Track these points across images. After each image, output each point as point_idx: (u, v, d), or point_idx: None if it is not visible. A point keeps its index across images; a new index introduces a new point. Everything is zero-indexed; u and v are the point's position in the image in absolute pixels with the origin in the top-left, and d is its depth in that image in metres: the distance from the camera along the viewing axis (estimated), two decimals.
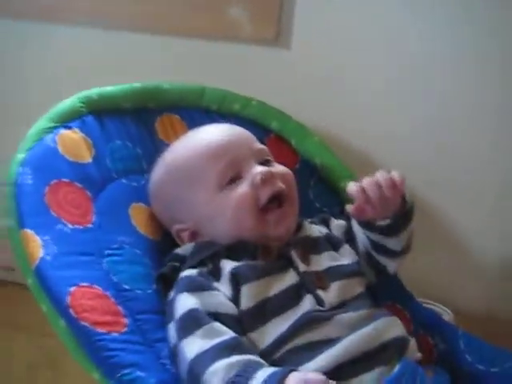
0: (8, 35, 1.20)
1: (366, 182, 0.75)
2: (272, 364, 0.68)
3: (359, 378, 0.69)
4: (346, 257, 0.83)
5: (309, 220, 0.88)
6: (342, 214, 0.89)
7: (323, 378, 0.63)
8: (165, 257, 0.82)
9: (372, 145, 1.12)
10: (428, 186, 1.10)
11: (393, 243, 0.81)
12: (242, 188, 0.80)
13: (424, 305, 0.90)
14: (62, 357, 1.09)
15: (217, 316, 0.71)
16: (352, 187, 0.75)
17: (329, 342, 0.71)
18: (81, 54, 1.18)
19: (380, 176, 0.75)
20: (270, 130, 1.01)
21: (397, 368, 0.69)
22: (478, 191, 1.11)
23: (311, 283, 0.77)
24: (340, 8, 1.08)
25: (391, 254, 0.83)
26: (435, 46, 1.07)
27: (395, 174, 0.75)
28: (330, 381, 0.63)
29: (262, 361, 0.67)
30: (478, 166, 1.10)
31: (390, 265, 0.85)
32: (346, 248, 0.84)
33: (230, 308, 0.73)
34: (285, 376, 0.62)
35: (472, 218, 1.12)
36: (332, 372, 0.68)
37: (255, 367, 0.65)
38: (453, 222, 1.13)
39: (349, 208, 0.77)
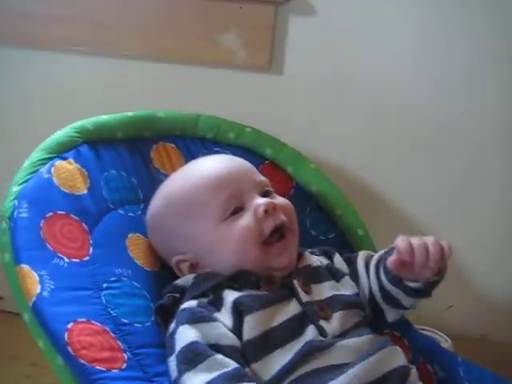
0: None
1: (417, 241, 0.75)
2: None
3: None
4: (346, 288, 0.83)
5: (309, 250, 0.88)
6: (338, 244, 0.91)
7: None
8: (164, 288, 0.81)
9: (372, 176, 1.14)
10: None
11: (408, 301, 0.82)
12: (246, 220, 0.79)
13: (422, 331, 0.90)
14: None
15: (218, 348, 0.70)
16: (401, 241, 0.75)
17: (333, 370, 0.70)
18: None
19: (431, 242, 0.75)
20: (264, 158, 1.01)
21: None
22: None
23: (314, 314, 0.77)
24: (330, 35, 1.09)
25: (399, 306, 0.83)
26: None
27: (446, 245, 0.75)
28: None
29: None
30: None
31: (391, 314, 0.85)
32: (347, 279, 0.84)
33: (231, 339, 0.72)
34: None
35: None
36: None
37: None
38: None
39: (389, 258, 0.77)
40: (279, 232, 0.80)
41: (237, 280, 0.78)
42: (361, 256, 0.88)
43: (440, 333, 0.92)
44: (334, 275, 0.84)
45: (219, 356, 0.69)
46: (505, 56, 1.06)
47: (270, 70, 1.12)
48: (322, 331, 0.75)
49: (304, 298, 0.78)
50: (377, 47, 1.09)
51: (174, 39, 1.12)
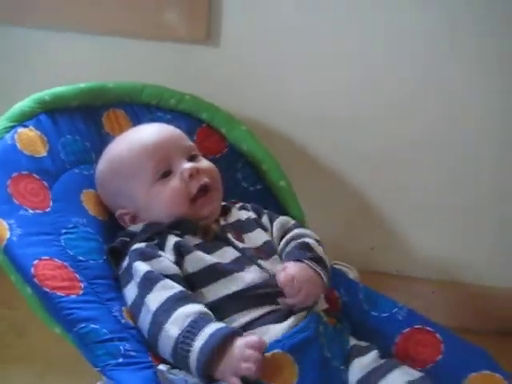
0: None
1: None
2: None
3: (271, 326, 0.85)
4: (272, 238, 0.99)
5: (241, 204, 1.04)
6: None
7: (262, 341, 0.78)
8: (112, 234, 0.96)
9: (299, 129, 1.27)
10: None
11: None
12: (174, 182, 0.94)
13: (334, 266, 1.05)
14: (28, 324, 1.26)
15: (165, 276, 0.85)
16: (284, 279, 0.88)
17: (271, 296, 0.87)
18: None
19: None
20: (201, 121, 1.14)
21: (305, 320, 0.86)
22: None
23: (252, 256, 0.92)
24: (264, 7, 1.20)
25: None
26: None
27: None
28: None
29: (209, 313, 0.81)
30: None
31: None
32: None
33: (175, 269, 0.87)
34: (227, 339, 0.77)
35: None
36: (248, 323, 0.84)
37: (203, 322, 0.79)
38: None
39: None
40: (204, 190, 0.95)
41: (178, 227, 0.93)
42: (276, 227, 1.01)
43: (348, 265, 1.09)
44: (261, 227, 1.00)
45: (168, 280, 0.84)
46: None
47: (207, 42, 1.22)
48: (262, 269, 0.91)
49: (240, 245, 0.94)
50: (312, 22, 1.20)
51: (120, 14, 1.21)
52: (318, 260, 0.92)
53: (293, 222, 1.04)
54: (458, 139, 1.26)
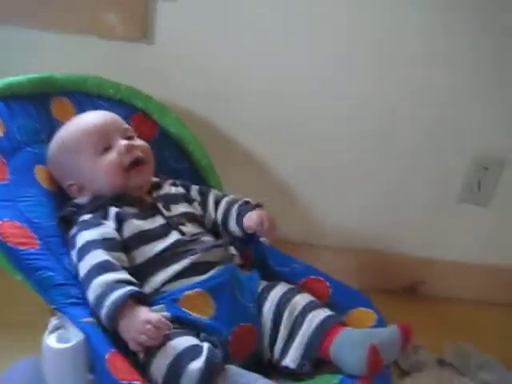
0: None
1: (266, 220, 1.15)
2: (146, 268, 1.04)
3: (194, 278, 1.05)
4: (195, 209, 1.20)
5: (172, 181, 1.22)
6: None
7: (164, 321, 0.94)
8: (60, 203, 1.14)
9: (221, 117, 1.47)
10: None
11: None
12: (111, 156, 1.12)
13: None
14: None
15: (106, 240, 1.03)
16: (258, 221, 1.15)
17: (187, 254, 1.06)
18: None
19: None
20: (136, 109, 1.31)
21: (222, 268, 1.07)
22: None
23: (174, 223, 1.13)
24: (191, 11, 1.38)
25: (230, 234, 1.21)
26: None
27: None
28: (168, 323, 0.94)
29: (124, 280, 0.97)
30: None
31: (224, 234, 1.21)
32: (196, 205, 1.21)
33: (114, 234, 1.05)
34: (124, 304, 0.94)
35: None
36: (173, 277, 1.04)
37: (110, 291, 0.95)
38: None
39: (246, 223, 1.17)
40: (136, 163, 1.13)
41: (118, 200, 1.12)
42: (212, 194, 1.23)
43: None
44: (188, 200, 1.21)
45: (99, 251, 1.01)
46: None
47: (143, 40, 1.39)
48: (182, 233, 1.11)
49: (166, 214, 1.13)
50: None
51: (68, 15, 1.38)
52: (260, 205, 1.18)
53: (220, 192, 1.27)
54: None
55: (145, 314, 0.95)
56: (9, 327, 1.29)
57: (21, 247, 1.01)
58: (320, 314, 1.04)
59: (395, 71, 1.44)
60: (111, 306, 0.94)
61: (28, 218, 1.07)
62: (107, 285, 0.97)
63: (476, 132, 1.50)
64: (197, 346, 0.95)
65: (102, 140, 1.14)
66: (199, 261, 1.07)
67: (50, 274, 1.00)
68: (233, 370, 0.93)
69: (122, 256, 1.04)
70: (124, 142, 1.14)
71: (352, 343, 0.97)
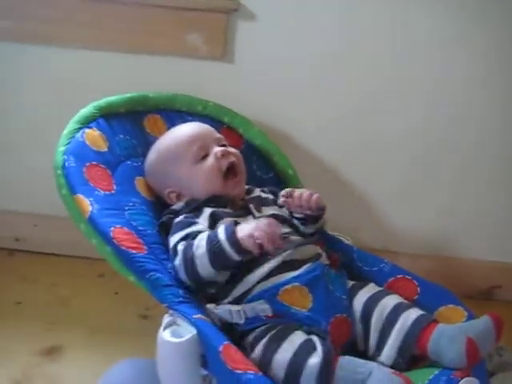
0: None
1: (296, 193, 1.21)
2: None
3: (288, 274, 1.11)
4: (284, 213, 1.24)
5: (261, 189, 1.29)
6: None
7: (273, 223, 1.07)
8: (159, 211, 1.22)
9: (298, 131, 1.54)
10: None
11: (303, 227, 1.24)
12: (209, 161, 1.21)
13: (334, 235, 1.31)
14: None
15: (199, 233, 1.09)
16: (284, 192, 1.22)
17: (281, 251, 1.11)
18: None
19: (306, 192, 1.21)
20: (223, 123, 1.40)
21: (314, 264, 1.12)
22: None
23: None
24: (267, 34, 1.47)
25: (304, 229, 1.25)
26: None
27: (315, 195, 1.21)
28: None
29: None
30: None
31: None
32: (285, 210, 1.25)
33: (207, 230, 1.11)
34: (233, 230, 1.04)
35: None
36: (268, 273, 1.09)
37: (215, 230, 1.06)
38: None
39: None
40: (233, 170, 1.21)
41: (212, 201, 1.19)
42: None
43: (344, 236, 1.33)
44: (277, 205, 1.26)
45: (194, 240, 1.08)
46: None
47: (223, 59, 1.47)
48: None
49: (257, 214, 1.20)
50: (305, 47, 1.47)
51: (156, 39, 1.48)
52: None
53: None
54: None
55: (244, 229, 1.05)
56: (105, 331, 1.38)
57: (132, 251, 1.10)
58: (412, 314, 1.08)
59: None
60: (227, 228, 1.05)
61: (134, 225, 1.16)
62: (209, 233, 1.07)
63: None
64: (309, 340, 1.01)
65: (201, 148, 1.22)
66: (290, 258, 1.12)
67: (159, 275, 1.08)
68: (346, 359, 0.99)
69: None
70: (220, 148, 1.22)
71: (449, 338, 1.01)
